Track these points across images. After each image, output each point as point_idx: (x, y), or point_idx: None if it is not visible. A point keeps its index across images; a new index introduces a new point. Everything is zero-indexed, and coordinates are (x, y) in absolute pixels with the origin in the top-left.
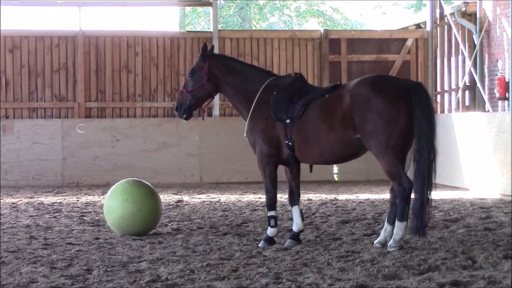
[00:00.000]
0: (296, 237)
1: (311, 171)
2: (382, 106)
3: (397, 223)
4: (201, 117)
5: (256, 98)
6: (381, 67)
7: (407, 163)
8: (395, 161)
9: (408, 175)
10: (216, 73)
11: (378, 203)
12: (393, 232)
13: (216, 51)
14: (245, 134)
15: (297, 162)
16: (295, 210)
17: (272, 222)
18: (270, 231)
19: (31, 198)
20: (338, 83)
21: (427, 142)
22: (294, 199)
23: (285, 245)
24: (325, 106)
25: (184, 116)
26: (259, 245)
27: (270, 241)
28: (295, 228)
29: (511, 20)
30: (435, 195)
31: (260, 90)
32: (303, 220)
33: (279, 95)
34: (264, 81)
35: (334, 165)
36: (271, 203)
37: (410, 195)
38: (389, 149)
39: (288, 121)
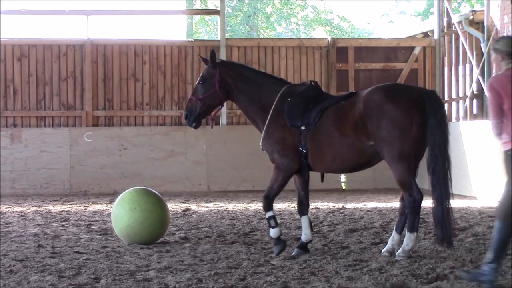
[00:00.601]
0: (304, 247)
1: (322, 180)
2: (395, 113)
3: (407, 234)
4: (209, 125)
5: (273, 107)
6: (388, 75)
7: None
8: (407, 170)
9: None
10: (228, 80)
11: (386, 212)
12: (400, 241)
13: (223, 59)
14: (260, 143)
15: (309, 170)
16: (304, 220)
17: (272, 222)
18: (273, 232)
19: (39, 206)
20: (354, 91)
21: (441, 151)
22: (303, 208)
23: (292, 254)
24: (339, 113)
25: (194, 124)
26: (273, 250)
27: (278, 242)
28: (303, 238)
29: None
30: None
31: (277, 99)
32: (312, 230)
33: (293, 101)
34: (278, 89)
35: (345, 174)
36: (268, 206)
37: (420, 206)
38: (402, 158)
39: (303, 127)
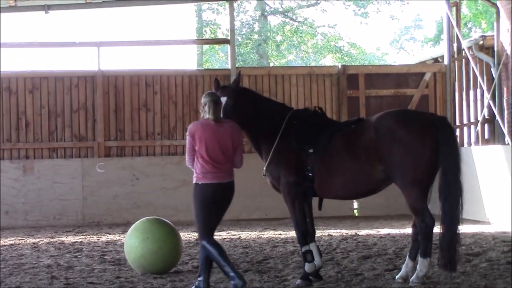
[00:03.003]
0: (316, 274)
1: (320, 208)
2: (408, 138)
3: (420, 259)
4: None
5: (281, 131)
6: (399, 101)
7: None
8: (419, 196)
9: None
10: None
11: (399, 238)
12: (414, 267)
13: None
14: (264, 168)
15: (314, 196)
16: (313, 247)
17: (309, 256)
18: (308, 267)
19: (52, 238)
20: (361, 117)
21: (454, 178)
22: (310, 236)
23: (297, 282)
24: (350, 138)
25: None
26: (296, 283)
27: (307, 278)
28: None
29: None
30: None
31: (284, 123)
32: (321, 256)
33: (301, 125)
34: (285, 114)
35: (354, 200)
36: (303, 239)
37: (433, 231)
38: (415, 183)
39: (311, 150)
